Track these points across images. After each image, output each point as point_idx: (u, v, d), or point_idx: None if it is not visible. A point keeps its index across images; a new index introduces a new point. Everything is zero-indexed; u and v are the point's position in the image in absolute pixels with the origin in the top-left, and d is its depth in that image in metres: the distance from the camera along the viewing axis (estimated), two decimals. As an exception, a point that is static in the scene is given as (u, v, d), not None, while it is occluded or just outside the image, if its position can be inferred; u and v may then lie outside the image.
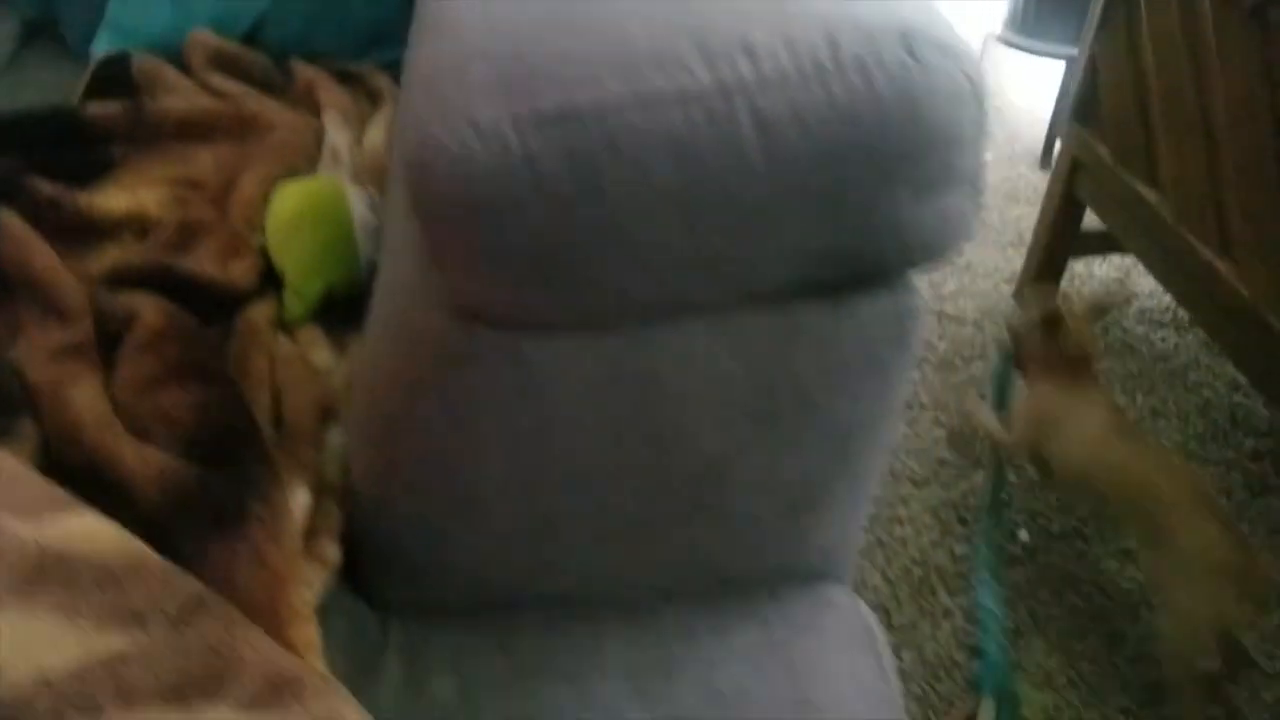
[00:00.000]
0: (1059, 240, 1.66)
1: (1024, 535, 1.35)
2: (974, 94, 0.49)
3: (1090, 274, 1.85)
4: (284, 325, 0.83)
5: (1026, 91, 2.43)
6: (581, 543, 0.69)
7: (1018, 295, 1.79)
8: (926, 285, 1.82)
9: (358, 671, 0.66)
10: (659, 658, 0.68)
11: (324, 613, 0.66)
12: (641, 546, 0.69)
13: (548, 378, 0.57)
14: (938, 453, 1.49)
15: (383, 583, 0.72)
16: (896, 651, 1.21)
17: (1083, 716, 1.15)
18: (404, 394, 0.62)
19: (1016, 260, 1.85)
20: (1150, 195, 1.37)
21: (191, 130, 0.99)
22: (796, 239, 0.51)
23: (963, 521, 1.38)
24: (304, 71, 1.10)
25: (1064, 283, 1.81)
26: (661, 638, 0.70)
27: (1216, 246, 1.26)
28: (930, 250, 0.54)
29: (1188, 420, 1.53)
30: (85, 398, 0.68)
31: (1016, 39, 2.12)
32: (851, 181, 0.49)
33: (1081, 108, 1.52)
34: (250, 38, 1.15)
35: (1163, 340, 1.68)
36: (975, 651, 1.21)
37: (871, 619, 0.74)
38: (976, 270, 1.86)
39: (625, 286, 0.52)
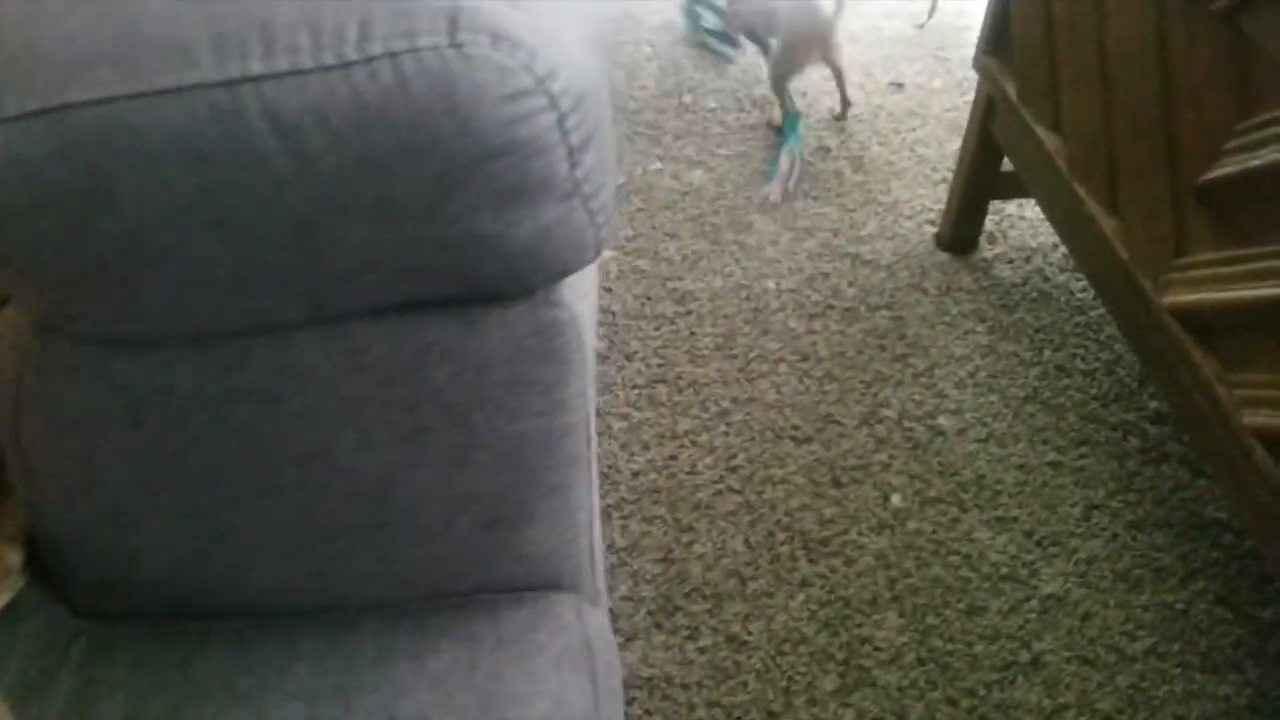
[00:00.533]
0: (978, 181, 1.56)
1: (896, 499, 1.29)
2: (542, 91, 0.41)
3: (1022, 215, 1.74)
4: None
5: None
6: (262, 555, 0.64)
7: (939, 241, 1.69)
8: (846, 225, 1.73)
9: (30, 685, 0.62)
10: (344, 683, 0.64)
11: (13, 619, 0.62)
12: (327, 560, 0.64)
13: (150, 393, 0.51)
14: (824, 409, 1.42)
15: (71, 590, 0.68)
16: (745, 623, 1.17)
17: (926, 697, 1.11)
18: (11, 405, 0.56)
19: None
20: (1050, 140, 1.27)
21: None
22: (361, 253, 0.44)
23: (837, 484, 1.32)
24: None
25: (990, 224, 1.71)
26: (352, 660, 0.65)
27: (1106, 204, 1.16)
28: (541, 268, 0.46)
29: (1093, 378, 1.44)
30: None
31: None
32: (399, 192, 0.42)
33: (993, 39, 1.40)
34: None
35: (1082, 291, 1.58)
36: (826, 624, 1.17)
37: (597, 630, 0.69)
38: (901, 209, 1.76)
39: (176, 301, 0.46)
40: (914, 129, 1.94)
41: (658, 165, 1.89)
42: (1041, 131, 1.29)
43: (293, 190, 0.42)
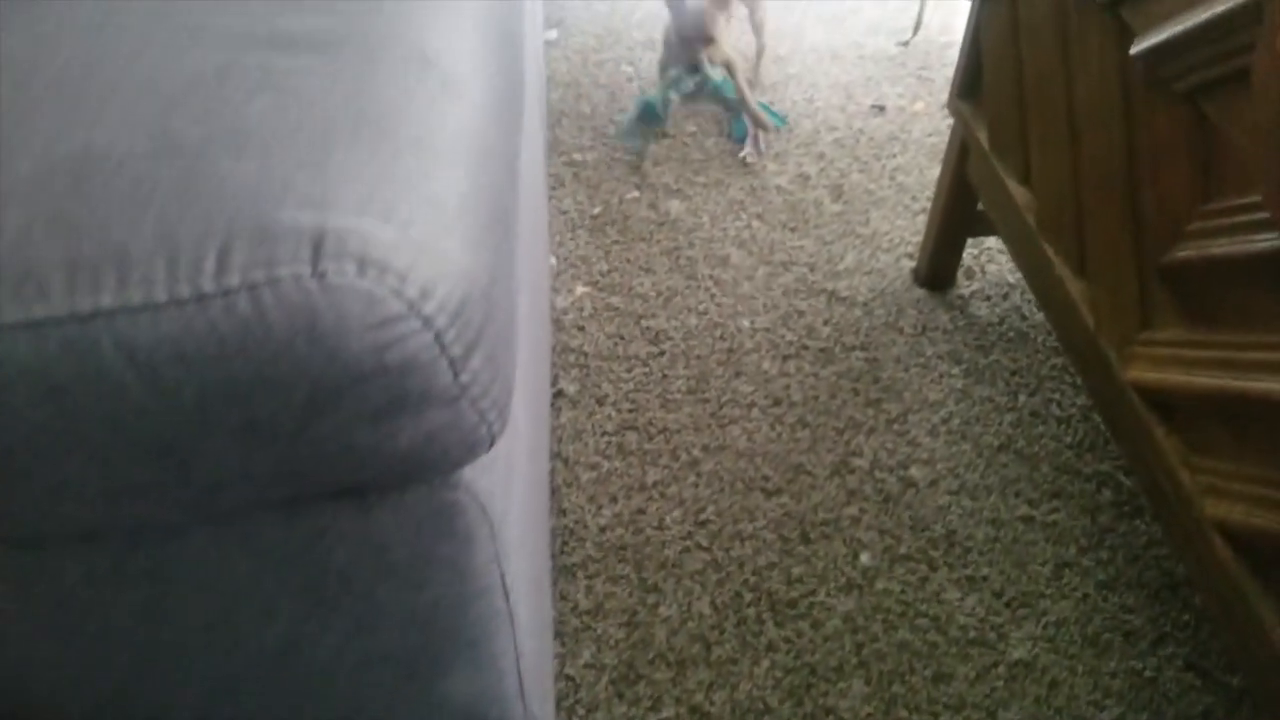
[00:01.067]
0: (955, 219, 1.54)
1: (865, 557, 1.28)
2: (414, 314, 0.39)
3: (1000, 248, 1.72)
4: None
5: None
6: (169, 713, 0.62)
7: (916, 276, 1.67)
8: (823, 258, 1.71)
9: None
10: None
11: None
12: (238, 712, 0.63)
13: (37, 579, 0.50)
14: (795, 458, 1.40)
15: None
16: (708, 692, 1.16)
17: (889, 769, 1.10)
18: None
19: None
20: (1020, 194, 1.24)
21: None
22: (232, 469, 0.43)
23: (807, 539, 1.30)
24: None
25: (969, 257, 1.68)
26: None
27: (1073, 266, 1.13)
28: (429, 467, 0.45)
29: (1069, 425, 1.43)
30: None
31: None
32: (264, 417, 0.40)
33: (967, 83, 1.37)
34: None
35: (1059, 330, 1.56)
36: (791, 692, 1.16)
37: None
38: (880, 241, 1.74)
39: (48, 513, 0.44)
40: (894, 155, 1.91)
41: (635, 194, 1.86)
42: (1012, 184, 1.27)
43: (153, 417, 0.40)
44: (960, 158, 1.45)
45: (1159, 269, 0.97)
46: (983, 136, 1.33)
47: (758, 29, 2.03)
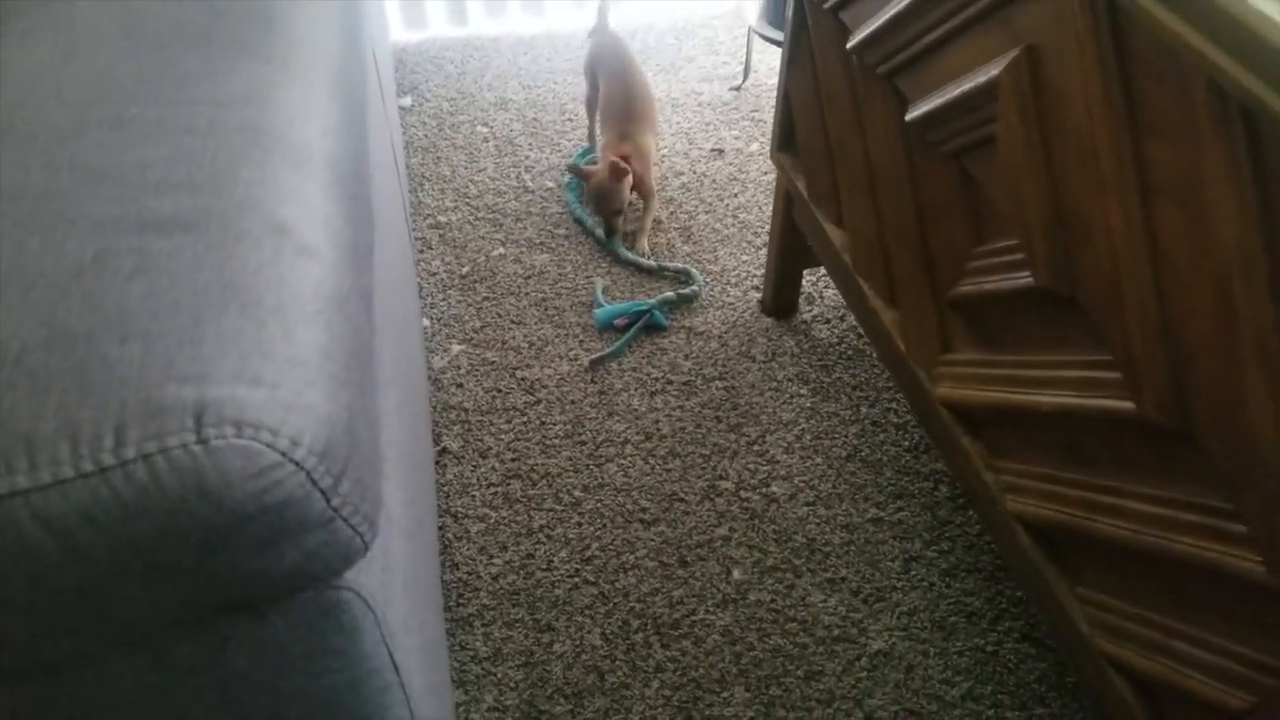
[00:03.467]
0: (789, 256, 1.68)
1: (738, 573, 1.40)
2: (288, 461, 0.48)
3: (838, 273, 1.88)
4: None
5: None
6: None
7: (762, 306, 1.81)
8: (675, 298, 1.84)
9: None
10: None
11: None
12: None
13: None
14: (669, 488, 1.52)
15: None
16: (605, 718, 1.26)
17: (771, 763, 1.22)
18: None
19: (764, 266, 1.88)
20: (836, 236, 1.39)
21: None
22: (139, 605, 0.51)
23: (684, 563, 1.42)
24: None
25: (808, 284, 1.83)
26: None
27: (885, 298, 1.28)
28: (312, 578, 0.54)
29: (905, 431, 1.58)
30: None
31: (769, 31, 2.09)
32: (166, 562, 0.49)
33: (784, 137, 1.52)
34: None
35: (894, 345, 1.72)
36: (680, 708, 1.27)
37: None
38: (729, 277, 1.88)
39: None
40: (735, 194, 2.06)
41: (500, 250, 1.96)
42: (829, 228, 1.41)
43: (70, 573, 0.48)
44: (787, 203, 1.59)
45: (950, 301, 1.12)
46: (802, 186, 1.48)
47: (646, 197, 2.00)
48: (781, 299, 1.77)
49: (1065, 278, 0.90)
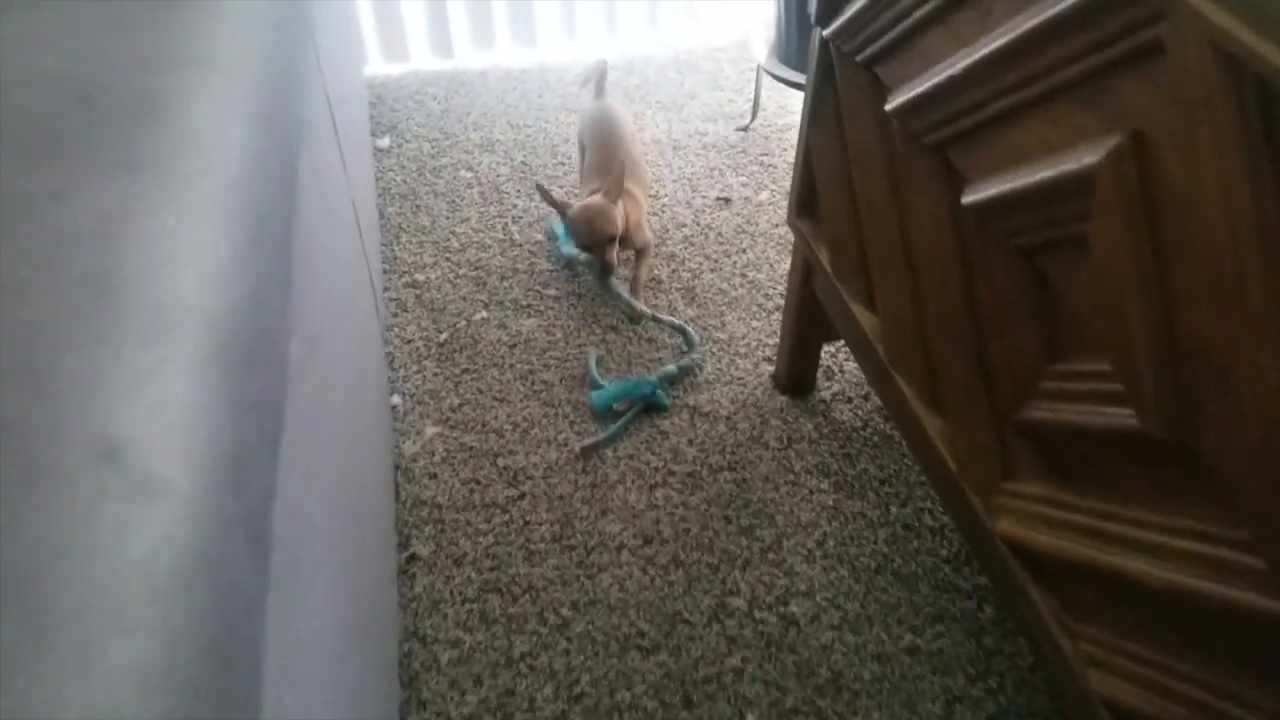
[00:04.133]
0: (807, 328, 1.49)
1: (751, 718, 1.20)
2: None
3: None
4: None
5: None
6: None
7: (776, 382, 1.61)
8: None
9: None
10: None
11: None
12: None
13: None
14: (671, 605, 1.32)
15: None
16: None
17: None
18: None
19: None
20: (867, 321, 1.20)
21: None
22: None
23: (689, 703, 1.22)
24: None
25: (827, 356, 1.64)
26: None
27: (927, 402, 1.09)
28: None
29: (943, 536, 1.38)
30: None
31: (780, 70, 1.90)
32: None
33: (803, 202, 1.32)
34: None
35: (925, 431, 1.52)
36: None
37: None
38: (737, 346, 1.68)
39: None
40: (744, 250, 1.87)
41: (483, 314, 1.77)
42: (858, 309, 1.22)
43: None
44: (805, 272, 1.40)
45: (1014, 423, 0.92)
46: (824, 258, 1.29)
47: (640, 248, 1.79)
48: (798, 375, 1.57)
49: (1186, 427, 0.70)
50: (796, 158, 1.31)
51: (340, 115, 1.33)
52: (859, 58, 1.06)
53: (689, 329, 1.67)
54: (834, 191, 1.21)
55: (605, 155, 1.78)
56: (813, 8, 1.14)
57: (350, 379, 1.06)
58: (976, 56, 0.84)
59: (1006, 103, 0.83)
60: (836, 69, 1.13)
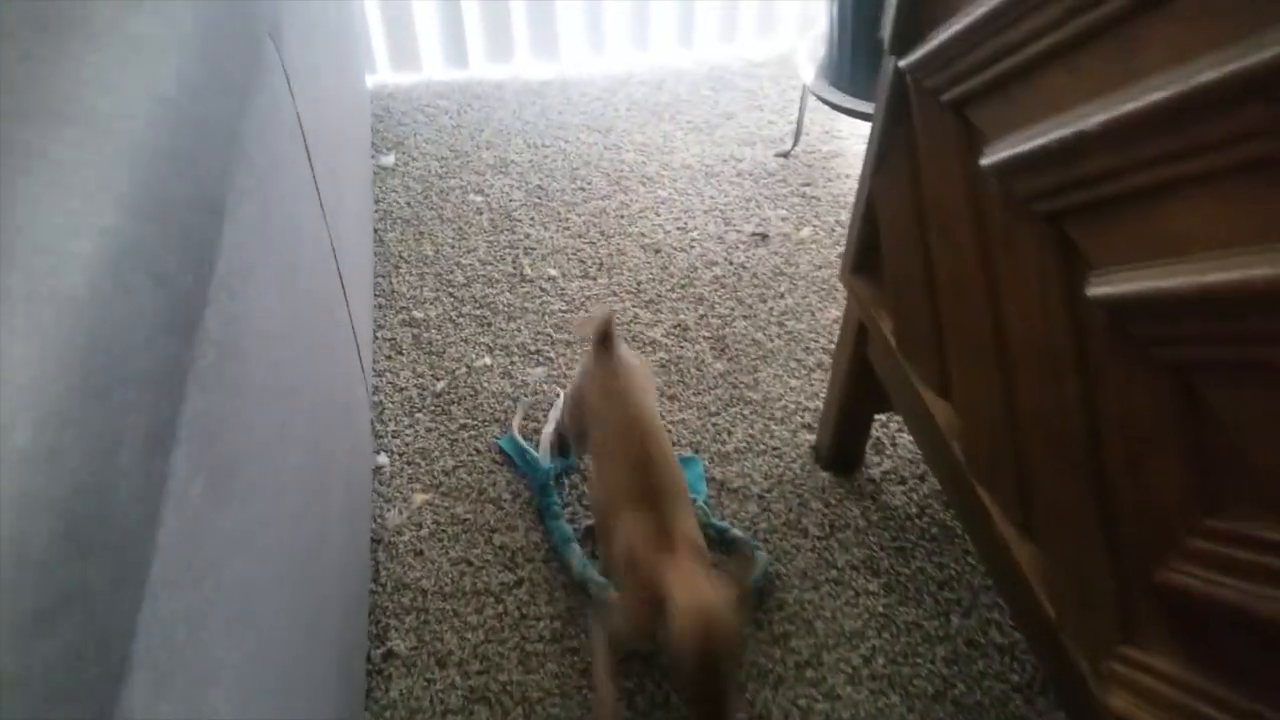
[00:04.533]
0: (857, 398, 1.28)
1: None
2: None
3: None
4: None
5: (855, 156, 2.01)
6: None
7: (817, 455, 1.40)
8: (709, 435, 1.43)
9: None
10: None
11: None
12: None
13: None
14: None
15: None
16: None
17: None
18: None
19: (825, 387, 1.47)
20: (939, 410, 0.99)
21: None
22: None
23: None
24: None
25: (877, 426, 1.43)
26: None
27: (1018, 524, 0.88)
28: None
29: (1013, 657, 1.17)
30: None
31: (830, 94, 1.69)
32: None
33: (861, 257, 1.11)
34: None
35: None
36: None
37: None
38: (772, 409, 1.47)
39: None
40: (782, 295, 1.66)
41: (486, 360, 1.57)
42: (927, 394, 1.01)
43: None
44: (859, 336, 1.19)
45: (1144, 581, 0.71)
46: (885, 327, 1.08)
47: None
48: (843, 448, 1.36)
49: None
50: (856, 206, 1.10)
51: (321, 131, 1.14)
52: (946, 96, 0.86)
53: (758, 551, 1.26)
54: (902, 252, 1.01)
55: (629, 446, 1.09)
56: (886, 32, 0.93)
57: (314, 437, 0.86)
58: (1117, 112, 0.63)
59: (1159, 174, 0.62)
60: (914, 107, 0.92)
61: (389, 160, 1.96)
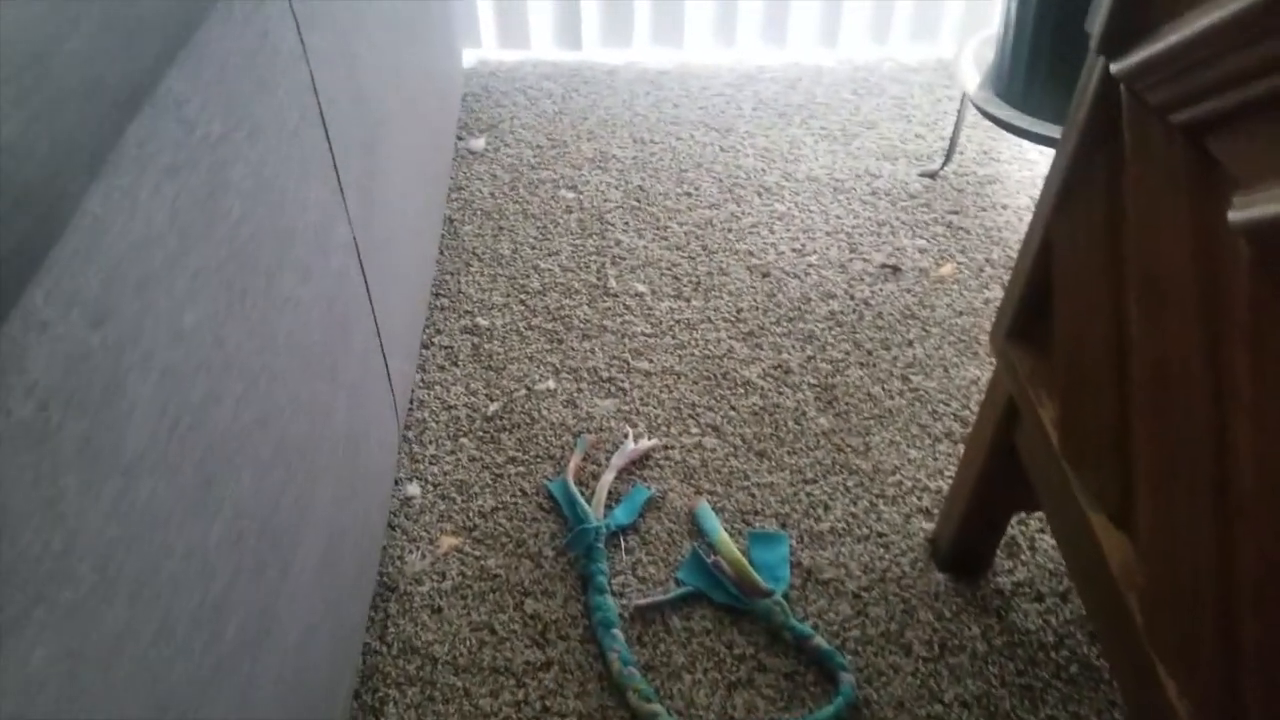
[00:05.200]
0: (993, 491, 1.01)
1: None
2: None
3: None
4: None
5: (1016, 184, 1.71)
6: None
7: (934, 551, 1.13)
8: (801, 508, 1.17)
9: None
10: None
11: None
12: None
13: None
14: None
15: None
16: None
17: None
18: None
19: (952, 464, 1.20)
20: (1113, 549, 0.71)
21: None
22: None
23: None
24: None
25: (1014, 524, 1.14)
26: None
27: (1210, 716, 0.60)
28: None
29: None
30: None
31: (995, 107, 1.41)
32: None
33: (1022, 320, 0.84)
34: None
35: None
36: None
37: None
38: (884, 483, 1.20)
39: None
40: (910, 342, 1.39)
41: (550, 384, 1.35)
42: (1097, 520, 0.73)
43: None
44: (1006, 416, 0.92)
45: None
46: (1046, 415, 0.80)
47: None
48: (968, 548, 1.09)
49: None
50: (1023, 253, 0.83)
51: (358, 100, 0.93)
52: (1178, 118, 0.58)
53: (844, 675, 1.02)
54: (1084, 321, 0.73)
55: None
56: (1095, 26, 0.66)
57: (279, 491, 0.66)
58: None
59: None
60: (1126, 128, 0.65)
61: (479, 144, 1.77)
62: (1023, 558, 1.13)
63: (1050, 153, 1.54)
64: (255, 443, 0.62)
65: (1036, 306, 0.83)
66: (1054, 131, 1.32)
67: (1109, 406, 0.71)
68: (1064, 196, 0.74)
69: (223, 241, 0.58)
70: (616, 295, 1.48)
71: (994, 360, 1.23)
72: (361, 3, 0.96)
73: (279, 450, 0.67)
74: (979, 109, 1.41)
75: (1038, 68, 1.32)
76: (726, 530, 1.16)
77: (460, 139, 1.78)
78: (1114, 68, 0.65)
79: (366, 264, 0.95)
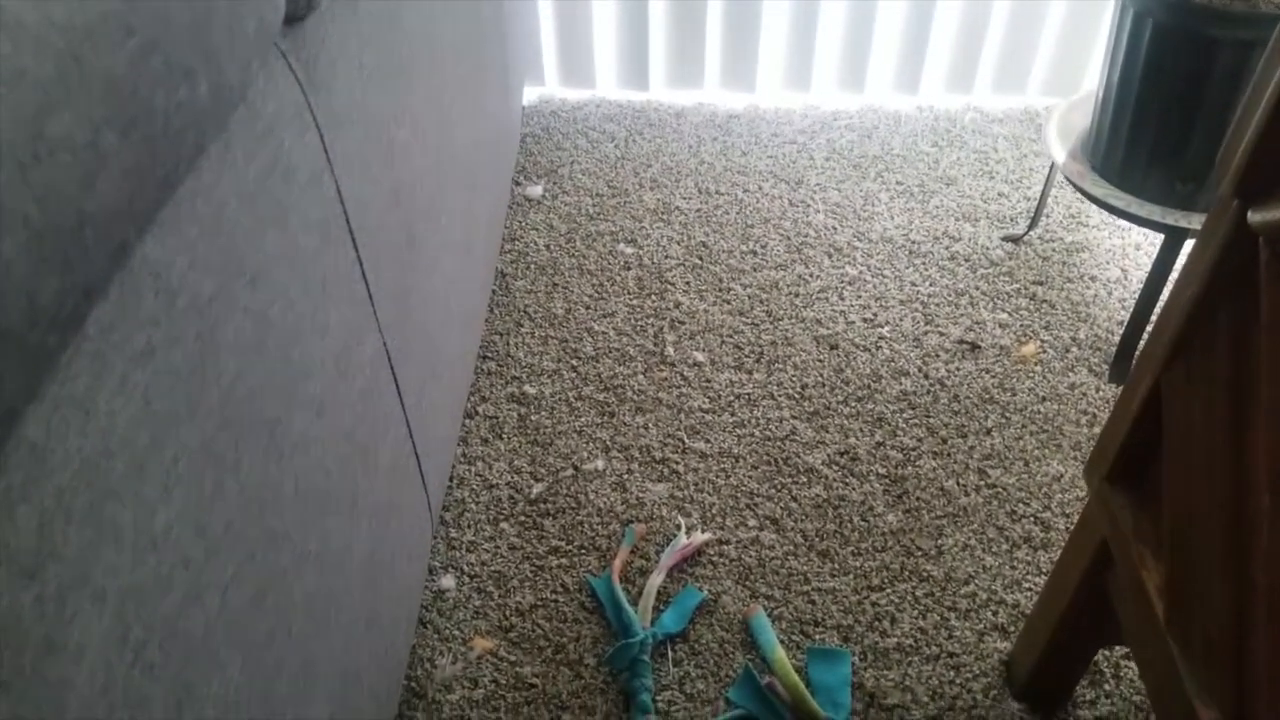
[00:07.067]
0: (1078, 626, 0.90)
1: None
2: None
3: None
4: None
5: (1107, 253, 1.59)
6: None
7: (1009, 676, 1.03)
8: (865, 621, 1.08)
9: None
10: None
11: None
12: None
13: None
14: None
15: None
16: None
17: None
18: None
19: (1030, 573, 1.09)
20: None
21: None
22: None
23: None
24: None
25: (1099, 656, 1.04)
26: None
27: None
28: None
29: None
30: None
31: (1089, 183, 1.29)
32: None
33: (1123, 459, 0.74)
34: None
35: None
36: None
37: None
38: (955, 595, 1.11)
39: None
40: (989, 430, 1.28)
41: (599, 463, 1.27)
42: (1207, 716, 0.63)
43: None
44: (1098, 560, 0.82)
45: None
46: (1149, 579, 0.70)
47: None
48: (1048, 678, 0.99)
49: None
50: (1124, 398, 0.73)
51: (392, 209, 0.87)
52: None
53: None
54: (1199, 495, 0.63)
55: None
56: (1227, 160, 0.56)
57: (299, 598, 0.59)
58: None
59: None
60: (1265, 290, 0.55)
61: (536, 191, 1.70)
62: (1106, 687, 1.03)
63: (1148, 233, 1.42)
64: (247, 626, 0.56)
65: (1142, 455, 0.72)
66: (1154, 213, 1.20)
67: (1225, 600, 0.61)
68: (1180, 347, 0.64)
69: (211, 413, 0.51)
70: (674, 364, 1.40)
71: (1078, 457, 1.11)
72: (408, 79, 0.89)
73: (279, 622, 0.60)
74: (1072, 183, 1.29)
75: (1139, 143, 1.20)
76: (783, 641, 1.07)
77: (517, 184, 1.72)
78: (1253, 217, 0.55)
79: (399, 368, 0.89)
